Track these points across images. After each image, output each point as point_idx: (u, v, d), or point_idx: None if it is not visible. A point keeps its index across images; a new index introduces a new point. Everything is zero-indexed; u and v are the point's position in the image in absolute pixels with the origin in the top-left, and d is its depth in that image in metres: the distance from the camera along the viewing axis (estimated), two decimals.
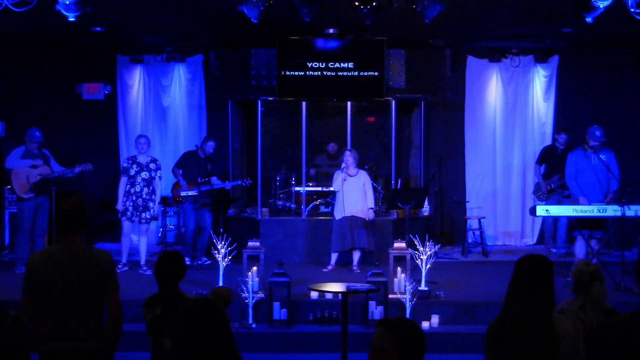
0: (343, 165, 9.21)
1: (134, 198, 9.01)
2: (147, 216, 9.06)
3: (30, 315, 3.91)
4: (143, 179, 9.03)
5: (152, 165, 9.11)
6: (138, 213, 9.01)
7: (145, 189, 9.05)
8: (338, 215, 9.20)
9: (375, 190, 10.66)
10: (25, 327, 2.77)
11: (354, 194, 9.11)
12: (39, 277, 3.88)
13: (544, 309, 3.34)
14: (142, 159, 9.11)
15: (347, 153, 9.27)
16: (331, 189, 9.67)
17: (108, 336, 3.96)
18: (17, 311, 2.89)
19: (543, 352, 3.28)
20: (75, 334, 3.85)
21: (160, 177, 9.20)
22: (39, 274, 3.89)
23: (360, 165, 9.57)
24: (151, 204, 9.07)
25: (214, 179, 9.85)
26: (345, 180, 9.11)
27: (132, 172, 9.03)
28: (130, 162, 9.10)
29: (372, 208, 9.20)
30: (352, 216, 9.09)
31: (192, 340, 2.84)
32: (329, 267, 9.31)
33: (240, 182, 10.16)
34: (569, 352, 3.35)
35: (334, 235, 9.22)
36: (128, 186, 9.03)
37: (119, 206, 9.06)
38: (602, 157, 8.25)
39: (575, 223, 8.30)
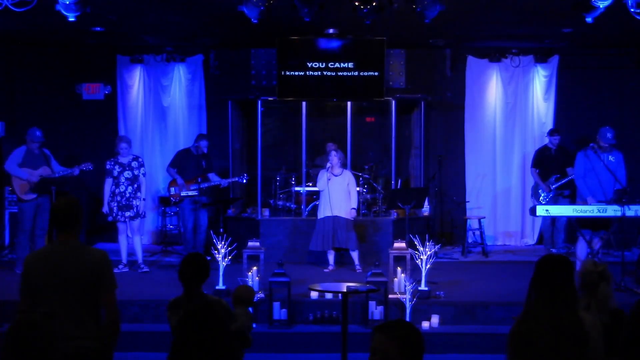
0: (328, 164, 9.23)
1: (118, 198, 9.05)
2: (131, 214, 9.06)
3: None
4: (127, 179, 9.06)
5: (134, 164, 9.13)
6: (122, 213, 9.03)
7: (130, 188, 9.08)
8: (321, 214, 9.22)
9: (375, 190, 10.69)
10: (55, 324, 2.79)
11: (339, 194, 9.13)
12: (35, 278, 3.88)
13: (570, 307, 3.33)
14: (124, 159, 9.13)
15: (333, 153, 9.34)
16: (315, 188, 9.69)
17: (105, 335, 3.94)
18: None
19: (573, 351, 3.26)
20: (72, 333, 3.84)
21: (144, 174, 9.22)
22: (34, 274, 3.89)
23: (360, 165, 9.58)
24: (135, 202, 9.08)
25: (212, 175, 9.87)
26: (330, 179, 9.13)
27: (115, 173, 9.07)
28: (112, 163, 9.13)
29: (354, 208, 9.22)
30: (336, 216, 9.10)
31: (189, 344, 2.85)
32: (330, 267, 9.31)
33: (237, 178, 10.17)
34: (594, 348, 3.35)
35: (315, 233, 9.24)
36: (113, 187, 9.06)
37: (105, 208, 9.10)
38: (611, 158, 8.24)
39: (576, 223, 8.30)
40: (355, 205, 9.26)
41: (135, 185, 9.11)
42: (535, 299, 3.39)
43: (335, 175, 9.19)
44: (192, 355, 2.84)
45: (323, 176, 9.21)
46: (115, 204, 9.05)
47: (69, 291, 3.85)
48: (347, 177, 9.28)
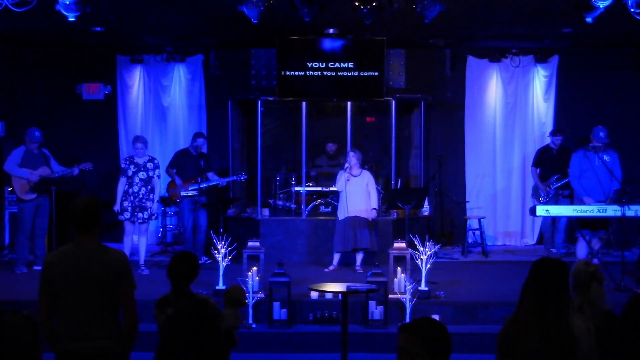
0: (347, 165, 9.18)
1: (132, 198, 9.02)
2: (145, 216, 9.05)
3: (46, 315, 3.92)
4: (141, 179, 9.04)
5: (149, 165, 9.11)
6: (136, 213, 9.02)
7: (143, 189, 9.05)
8: (341, 215, 9.19)
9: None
10: (37, 326, 2.78)
11: (357, 194, 9.10)
12: (54, 277, 3.89)
13: (560, 314, 3.28)
14: (140, 160, 9.12)
15: (351, 153, 9.26)
16: (333, 188, 9.67)
17: (123, 336, 3.95)
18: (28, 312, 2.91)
19: (559, 358, 3.23)
20: (90, 333, 3.85)
21: (159, 176, 9.21)
22: (54, 274, 3.90)
23: (361, 165, 9.56)
24: (149, 204, 9.07)
25: (211, 175, 9.87)
26: (348, 180, 9.10)
27: (130, 173, 9.04)
28: (127, 162, 9.12)
29: (375, 208, 9.20)
30: (355, 216, 9.08)
31: (180, 343, 2.83)
32: (331, 267, 9.30)
33: (235, 177, 10.17)
34: (584, 353, 3.32)
35: (337, 235, 9.22)
36: (126, 186, 9.03)
37: (117, 207, 9.06)
38: (606, 157, 8.24)
39: (576, 223, 8.30)
40: (375, 205, 9.22)
41: (149, 187, 9.09)
42: (527, 302, 3.35)
43: (354, 176, 9.16)
44: (182, 355, 2.83)
45: (341, 177, 9.17)
46: (130, 204, 9.01)
47: (89, 291, 3.85)
48: (366, 177, 9.24)
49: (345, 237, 9.12)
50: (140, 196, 9.03)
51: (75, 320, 3.85)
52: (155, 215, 9.29)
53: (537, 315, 3.28)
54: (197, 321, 2.86)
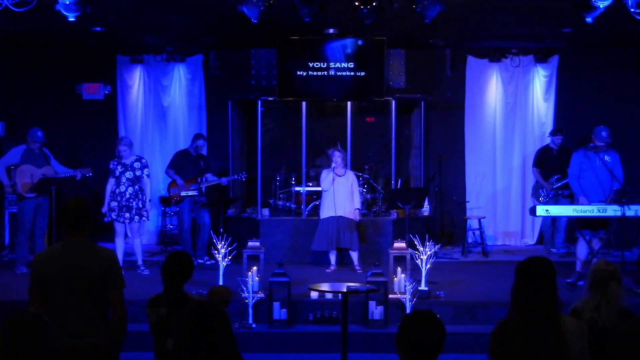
0: (333, 165, 9.22)
1: (119, 199, 8.96)
2: (130, 215, 8.96)
3: None
4: (128, 179, 8.98)
5: (136, 165, 9.04)
6: (123, 213, 8.97)
7: (130, 189, 8.98)
8: (325, 214, 9.20)
9: (375, 190, 10.69)
10: (46, 324, 2.79)
11: (343, 194, 9.13)
12: (44, 276, 3.92)
13: (549, 312, 3.28)
14: (127, 160, 9.06)
15: (337, 153, 9.30)
16: (317, 188, 9.68)
17: (112, 334, 3.97)
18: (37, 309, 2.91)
19: (549, 358, 3.23)
20: (80, 331, 3.88)
21: (148, 175, 9.12)
22: (43, 273, 3.93)
23: (360, 165, 9.58)
24: (134, 203, 9.00)
25: (209, 176, 9.86)
26: (334, 180, 9.12)
27: (117, 173, 8.99)
28: (115, 163, 9.05)
29: (358, 209, 9.22)
30: (340, 216, 9.10)
31: (195, 343, 2.84)
32: (331, 268, 9.31)
33: (236, 176, 10.17)
34: (575, 353, 3.31)
35: (318, 233, 9.24)
36: (114, 187, 9.00)
37: (104, 208, 9.00)
38: (607, 158, 8.23)
39: (576, 223, 8.30)
40: (359, 205, 9.25)
41: (137, 187, 9.03)
42: (515, 302, 3.35)
43: (339, 176, 9.18)
44: (198, 355, 2.83)
45: (328, 176, 9.18)
46: (117, 204, 8.98)
47: (78, 290, 3.88)
48: (351, 177, 9.28)
49: (327, 236, 9.13)
50: (127, 196, 8.97)
51: (65, 317, 3.87)
52: (147, 215, 9.15)
53: (524, 315, 3.28)
54: (210, 321, 2.87)
